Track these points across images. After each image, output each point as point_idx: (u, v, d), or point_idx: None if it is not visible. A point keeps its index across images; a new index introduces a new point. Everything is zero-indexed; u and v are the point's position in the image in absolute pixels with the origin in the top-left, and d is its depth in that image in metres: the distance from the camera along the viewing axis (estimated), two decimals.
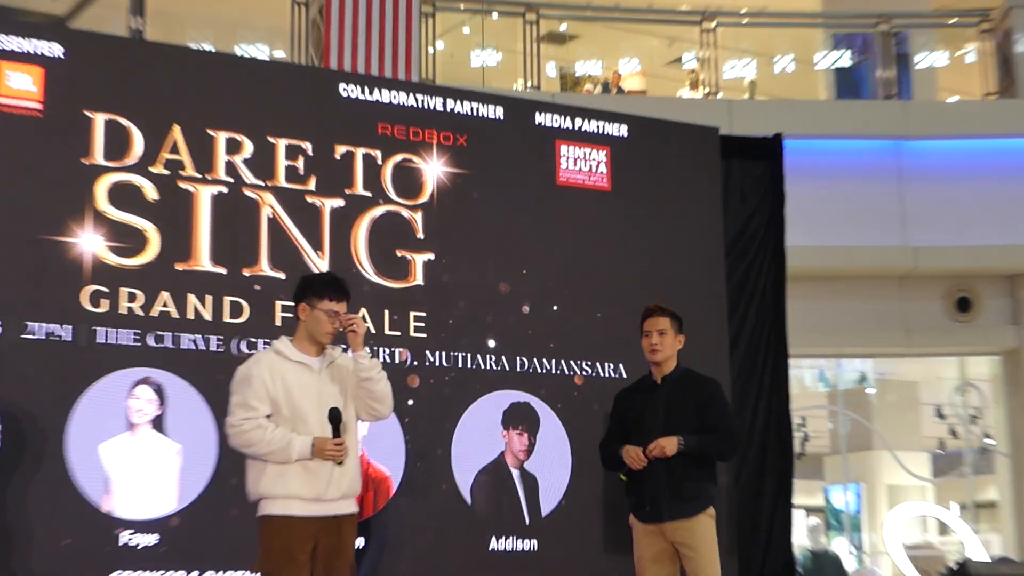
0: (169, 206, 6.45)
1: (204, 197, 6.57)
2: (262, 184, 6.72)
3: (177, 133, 6.54)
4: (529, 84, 12.57)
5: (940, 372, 17.17)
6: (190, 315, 6.37)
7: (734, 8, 14.71)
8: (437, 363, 7.02)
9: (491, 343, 7.17)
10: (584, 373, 7.39)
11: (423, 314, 7.01)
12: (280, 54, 12.71)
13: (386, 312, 6.91)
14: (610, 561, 7.05)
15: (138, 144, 6.45)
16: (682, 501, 5.70)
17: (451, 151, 7.28)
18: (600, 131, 7.67)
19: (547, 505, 7.14)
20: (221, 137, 6.65)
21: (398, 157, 7.13)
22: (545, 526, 7.09)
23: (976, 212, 12.11)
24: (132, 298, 6.29)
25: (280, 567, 4.90)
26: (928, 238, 12.08)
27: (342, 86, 7.06)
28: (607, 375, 7.42)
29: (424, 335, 7.01)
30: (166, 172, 6.49)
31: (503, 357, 7.21)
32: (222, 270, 6.54)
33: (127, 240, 6.33)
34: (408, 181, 7.14)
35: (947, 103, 14.11)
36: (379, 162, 7.07)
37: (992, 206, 12.14)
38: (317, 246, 6.81)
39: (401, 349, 6.90)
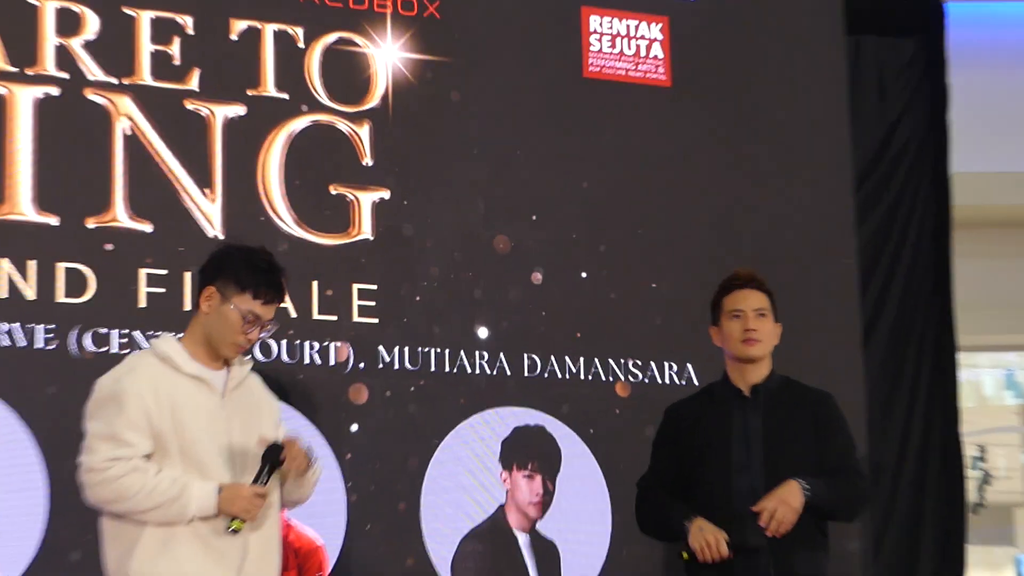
0: None
1: (22, 103, 5.70)
2: (115, 82, 5.90)
3: None
4: None
5: None
6: (1, 291, 5.51)
7: None
8: (396, 365, 6.11)
9: (482, 332, 6.26)
10: (631, 379, 6.43)
11: (373, 287, 6.08)
12: None
13: (314, 284, 5.91)
14: None
15: None
16: None
17: (415, 26, 6.34)
18: None
19: None
20: (48, 7, 5.75)
21: (331, 37, 6.20)
22: None
23: None
24: None
25: None
26: None
27: None
28: (666, 381, 6.46)
29: (375, 319, 6.07)
30: None
31: (501, 354, 6.29)
32: (52, 219, 5.71)
33: None
34: (347, 75, 6.24)
35: None
36: (300, 44, 6.16)
37: None
38: (204, 181, 5.89)
39: (339, 343, 5.95)
